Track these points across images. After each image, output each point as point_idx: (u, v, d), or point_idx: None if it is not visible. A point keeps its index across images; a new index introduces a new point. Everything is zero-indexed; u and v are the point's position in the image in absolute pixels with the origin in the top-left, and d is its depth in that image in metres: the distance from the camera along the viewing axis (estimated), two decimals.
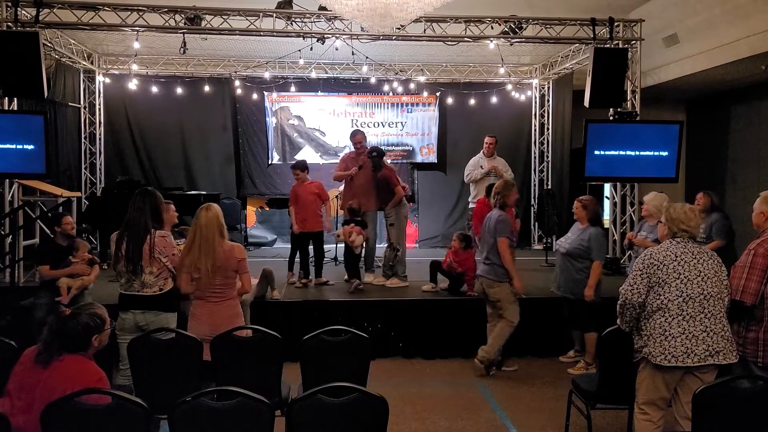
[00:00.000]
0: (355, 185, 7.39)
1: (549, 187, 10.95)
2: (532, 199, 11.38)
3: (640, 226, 6.09)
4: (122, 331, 4.03)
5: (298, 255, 7.27)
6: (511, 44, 8.29)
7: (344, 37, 7.94)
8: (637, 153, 7.65)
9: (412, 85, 11.03)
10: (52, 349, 2.78)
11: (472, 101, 11.05)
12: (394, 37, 7.89)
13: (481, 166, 8.41)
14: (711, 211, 6.13)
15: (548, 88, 11.20)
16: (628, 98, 8.11)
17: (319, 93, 11.14)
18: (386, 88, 10.88)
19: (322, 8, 7.08)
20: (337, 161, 11.14)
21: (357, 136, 7.64)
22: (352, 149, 7.84)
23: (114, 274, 4.35)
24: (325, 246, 7.42)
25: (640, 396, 3.44)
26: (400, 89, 10.87)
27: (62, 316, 2.91)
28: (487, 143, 8.49)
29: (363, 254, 7.25)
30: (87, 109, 10.39)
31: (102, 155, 10.60)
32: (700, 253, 3.35)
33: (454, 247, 6.68)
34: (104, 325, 2.94)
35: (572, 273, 5.57)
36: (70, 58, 9.41)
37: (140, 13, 7.31)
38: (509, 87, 11.07)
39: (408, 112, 11.38)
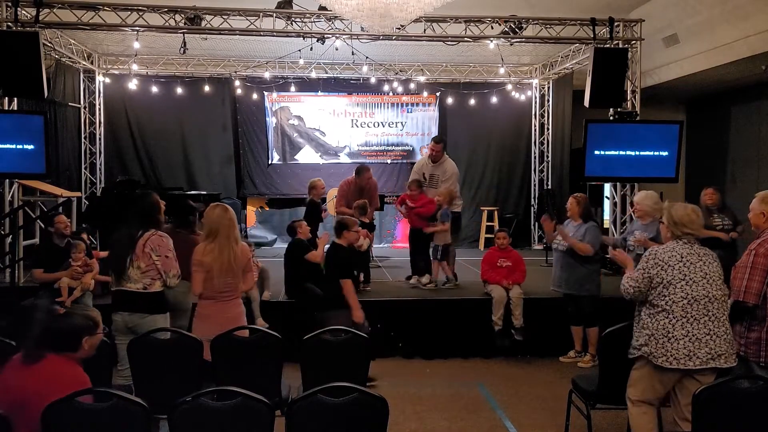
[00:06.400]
0: (350, 199, 7.36)
1: (549, 187, 10.95)
2: (532, 199, 11.36)
3: (632, 226, 6.03)
4: (117, 332, 4.02)
5: None
6: (511, 44, 8.28)
7: (344, 37, 7.94)
8: (637, 153, 7.66)
9: (412, 85, 11.03)
10: (40, 346, 2.68)
11: (472, 101, 11.05)
12: (394, 37, 7.89)
13: (423, 174, 7.27)
14: (723, 207, 6.25)
15: (548, 88, 11.19)
16: (628, 98, 8.10)
17: (319, 93, 11.14)
18: (386, 88, 10.87)
19: (322, 8, 7.07)
20: (337, 161, 11.30)
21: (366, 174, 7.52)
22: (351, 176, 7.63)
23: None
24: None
25: (635, 394, 3.43)
26: (400, 89, 10.87)
27: (55, 314, 2.86)
28: (429, 148, 7.31)
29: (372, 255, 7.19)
30: (87, 109, 10.39)
31: (102, 155, 10.60)
32: (706, 255, 3.34)
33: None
34: (96, 328, 2.85)
35: (576, 268, 5.67)
36: (70, 58, 9.40)
37: (140, 13, 7.31)
38: (509, 87, 11.07)
39: (408, 112, 11.38)
